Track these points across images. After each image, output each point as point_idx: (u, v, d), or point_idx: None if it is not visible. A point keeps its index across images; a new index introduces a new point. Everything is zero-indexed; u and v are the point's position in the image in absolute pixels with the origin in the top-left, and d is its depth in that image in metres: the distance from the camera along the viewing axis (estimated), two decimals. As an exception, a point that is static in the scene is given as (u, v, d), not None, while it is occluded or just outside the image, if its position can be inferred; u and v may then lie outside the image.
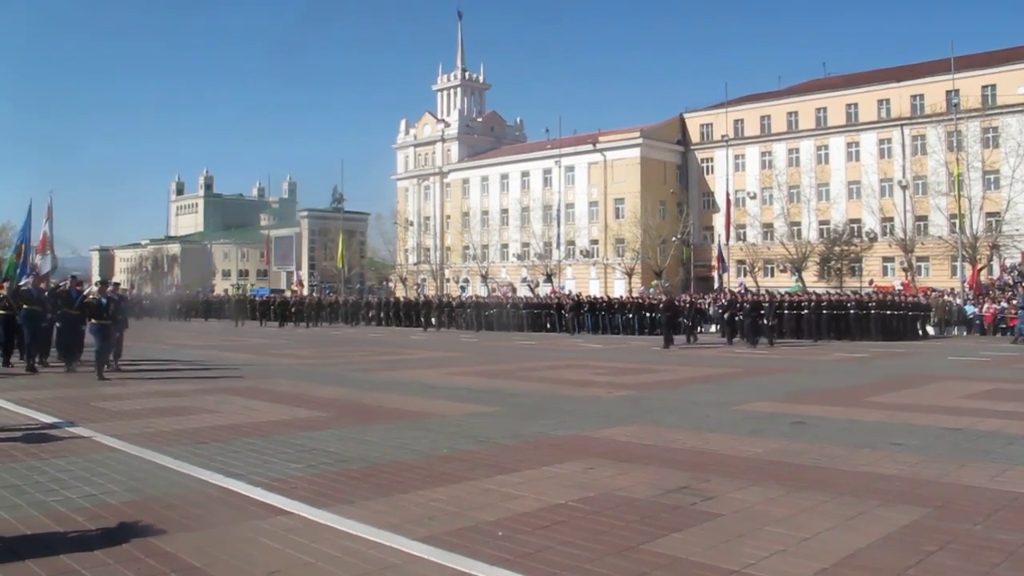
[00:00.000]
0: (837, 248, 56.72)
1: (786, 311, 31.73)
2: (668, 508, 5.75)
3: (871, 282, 49.98)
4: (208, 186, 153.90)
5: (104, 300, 14.98)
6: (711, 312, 35.08)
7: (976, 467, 7.10)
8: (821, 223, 59.55)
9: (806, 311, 31.68)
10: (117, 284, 17.48)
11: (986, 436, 8.79)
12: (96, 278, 19.88)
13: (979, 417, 10.18)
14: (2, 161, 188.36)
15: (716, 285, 36.85)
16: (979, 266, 44.97)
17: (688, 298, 32.52)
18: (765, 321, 28.23)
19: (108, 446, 8.13)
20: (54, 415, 10.17)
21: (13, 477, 6.63)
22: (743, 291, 35.04)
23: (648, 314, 35.63)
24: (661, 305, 29.82)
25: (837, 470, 6.99)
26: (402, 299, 54.11)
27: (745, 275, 55.69)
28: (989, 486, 6.39)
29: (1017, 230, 48.57)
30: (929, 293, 38.46)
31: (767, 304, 29.11)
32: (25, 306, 15.92)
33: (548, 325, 39.50)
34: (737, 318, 28.25)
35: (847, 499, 5.93)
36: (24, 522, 5.31)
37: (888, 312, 31.96)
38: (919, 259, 54.50)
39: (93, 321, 14.82)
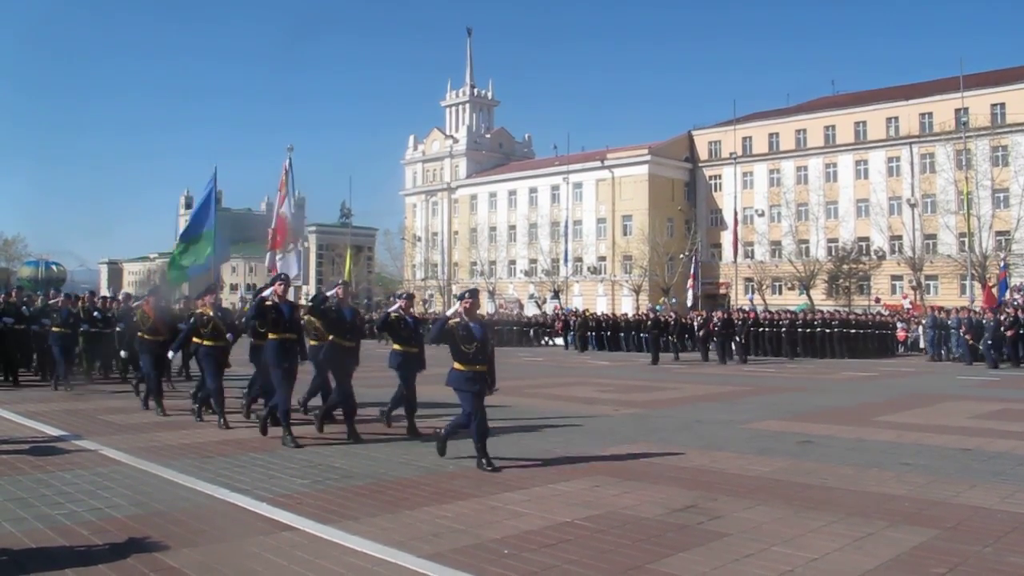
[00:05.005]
0: (845, 266, 56.56)
1: (764, 328, 32.04)
2: (675, 527, 5.72)
3: (877, 299, 49.87)
4: (216, 200, 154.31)
5: (349, 312, 9.88)
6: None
7: (986, 488, 7.05)
8: (829, 241, 59.43)
9: (783, 329, 32.02)
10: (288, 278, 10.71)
11: (996, 457, 8.73)
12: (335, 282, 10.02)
13: (989, 438, 10.11)
14: (5, 174, 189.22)
15: (691, 303, 36.87)
16: (989, 285, 44.79)
17: (674, 315, 32.75)
18: (738, 338, 28.49)
19: (114, 459, 8.14)
20: (60, 428, 10.18)
21: (19, 490, 6.63)
22: (751, 308, 34.97)
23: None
24: (648, 322, 30.17)
25: (845, 490, 6.95)
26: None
27: (753, 292, 55.57)
28: (999, 507, 6.34)
29: (1027, 249, 48.43)
30: (939, 311, 38.34)
31: (739, 322, 29.35)
32: (283, 335, 9.34)
33: (554, 342, 39.92)
34: (717, 332, 28.57)
35: (855, 520, 5.89)
36: (30, 536, 5.31)
37: (852, 330, 32.64)
38: (928, 278, 54.32)
39: (334, 339, 9.71)
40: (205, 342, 10.96)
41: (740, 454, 8.79)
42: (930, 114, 57.66)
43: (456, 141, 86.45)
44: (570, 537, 5.45)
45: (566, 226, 65.74)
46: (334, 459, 8.33)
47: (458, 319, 8.05)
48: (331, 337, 9.81)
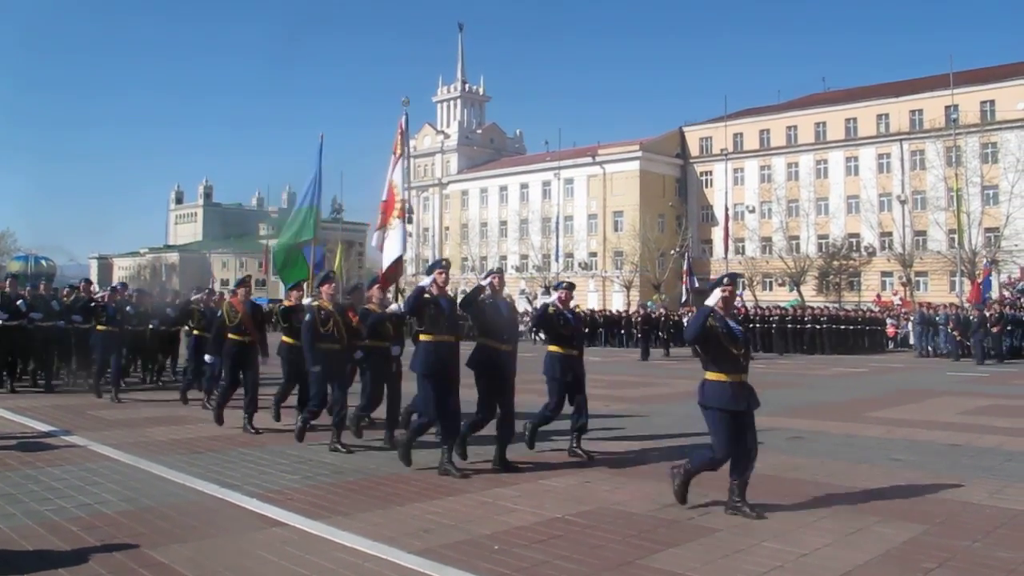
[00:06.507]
0: (836, 262, 56.72)
1: (755, 324, 32.22)
2: (665, 523, 5.73)
3: (878, 297, 50.04)
4: (207, 195, 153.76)
5: (505, 307, 8.14)
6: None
7: (975, 483, 7.07)
8: (820, 237, 59.57)
9: (774, 324, 32.17)
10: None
11: (985, 452, 8.77)
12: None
13: (978, 433, 10.16)
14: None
15: (684, 299, 36.91)
16: (978, 281, 45.00)
17: (664, 311, 32.82)
18: None
19: (103, 455, 8.09)
20: (49, 423, 10.13)
21: (8, 486, 6.59)
22: (741, 304, 35.05)
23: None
24: (639, 319, 30.31)
25: (835, 485, 6.96)
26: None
27: (744, 289, 55.68)
28: (988, 503, 6.37)
29: (1016, 245, 48.60)
30: (927, 307, 38.57)
31: None
32: (441, 337, 7.62)
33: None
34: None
35: (845, 515, 5.91)
36: (18, 531, 5.28)
37: (842, 326, 32.97)
38: (918, 274, 54.50)
39: (486, 341, 7.84)
40: (320, 344, 8.75)
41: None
42: (920, 111, 57.86)
43: (447, 137, 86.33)
44: (561, 533, 5.44)
45: (557, 222, 65.65)
46: (325, 455, 8.31)
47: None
48: (483, 338, 7.84)
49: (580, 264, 70.84)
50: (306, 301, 9.84)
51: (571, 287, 8.93)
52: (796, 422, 11.14)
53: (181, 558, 4.76)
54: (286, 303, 10.70)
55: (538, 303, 8.09)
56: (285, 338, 10.25)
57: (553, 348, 8.49)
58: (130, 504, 6.07)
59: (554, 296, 8.84)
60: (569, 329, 8.52)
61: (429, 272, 7.79)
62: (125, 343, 13.98)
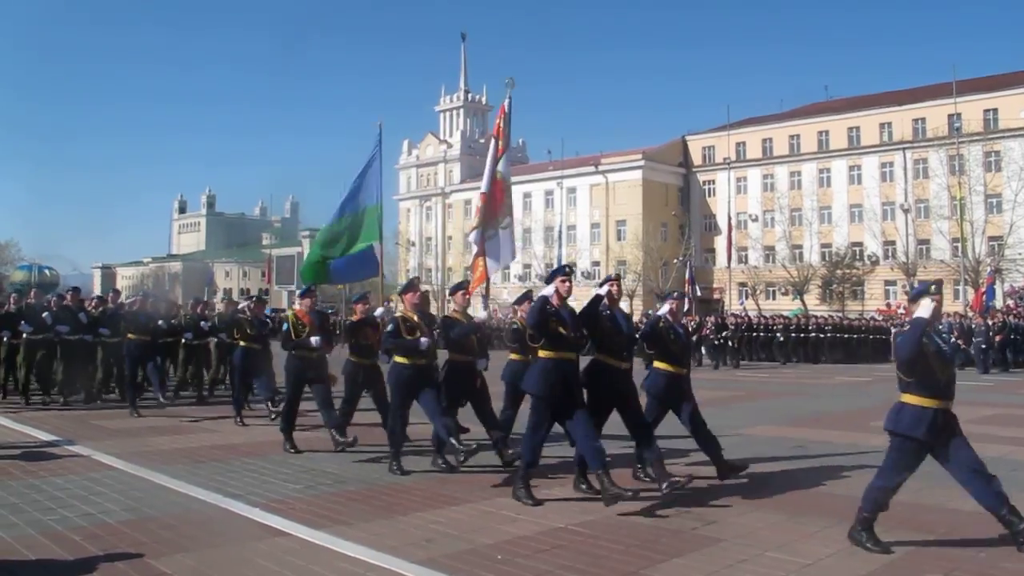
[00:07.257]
0: (839, 271, 56.68)
1: (758, 333, 32.07)
2: (669, 533, 5.71)
3: (888, 305, 49.99)
4: (210, 205, 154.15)
5: (623, 320, 7.33)
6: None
7: (979, 493, 7.03)
8: (823, 246, 59.55)
9: (777, 333, 32.10)
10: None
11: (990, 462, 8.63)
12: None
13: (983, 442, 10.04)
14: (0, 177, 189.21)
15: (686, 308, 36.79)
16: (981, 289, 44.92)
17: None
18: (730, 343, 28.53)
19: (106, 464, 8.10)
20: (52, 433, 10.13)
21: (10, 495, 6.60)
22: (744, 313, 35.05)
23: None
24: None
25: (839, 495, 6.94)
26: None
27: (747, 298, 55.64)
28: (993, 513, 6.33)
29: (1020, 254, 48.54)
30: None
31: (733, 327, 29.40)
32: (563, 355, 6.80)
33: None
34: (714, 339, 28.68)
35: (849, 525, 5.88)
36: (21, 541, 5.28)
37: (846, 335, 32.92)
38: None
39: (602, 357, 7.17)
40: (398, 359, 7.84)
41: (734, 459, 8.76)
42: (923, 119, 57.82)
43: (450, 146, 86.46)
44: (564, 542, 5.43)
45: (560, 231, 65.76)
46: (326, 464, 8.31)
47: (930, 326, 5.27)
48: (600, 355, 7.13)
49: (583, 273, 70.74)
50: (378, 312, 9.29)
51: (682, 296, 8.06)
52: (800, 431, 11.12)
53: (184, 568, 4.76)
54: (352, 317, 9.72)
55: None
56: (351, 356, 9.35)
57: (661, 365, 7.71)
58: (133, 514, 6.07)
59: (665, 308, 7.90)
60: (679, 346, 7.69)
61: (549, 280, 6.97)
62: (159, 353, 13.32)
